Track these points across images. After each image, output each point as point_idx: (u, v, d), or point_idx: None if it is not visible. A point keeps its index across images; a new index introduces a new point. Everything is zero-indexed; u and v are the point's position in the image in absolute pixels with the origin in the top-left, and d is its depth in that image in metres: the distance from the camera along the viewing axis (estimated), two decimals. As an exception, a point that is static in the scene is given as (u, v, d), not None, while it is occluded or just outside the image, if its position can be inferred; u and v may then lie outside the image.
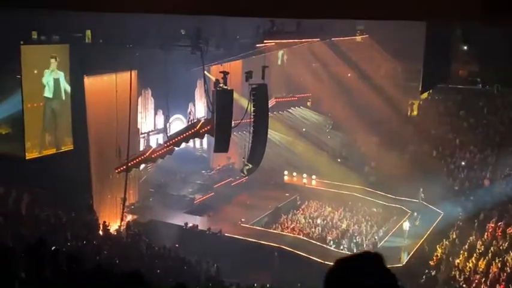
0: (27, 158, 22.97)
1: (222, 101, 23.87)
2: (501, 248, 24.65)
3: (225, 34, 25.52)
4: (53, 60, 23.46)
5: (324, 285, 2.12)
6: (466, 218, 27.89)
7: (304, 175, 35.61)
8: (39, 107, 23.68)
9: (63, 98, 24.23)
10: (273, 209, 31.38)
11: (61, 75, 23.89)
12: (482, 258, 24.12)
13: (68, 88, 24.28)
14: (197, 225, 27.47)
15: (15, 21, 18.63)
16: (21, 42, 22.15)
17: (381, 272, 2.07)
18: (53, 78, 23.70)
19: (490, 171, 31.35)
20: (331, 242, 27.63)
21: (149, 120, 31.82)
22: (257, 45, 28.52)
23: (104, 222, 24.91)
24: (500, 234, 25.77)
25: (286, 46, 34.08)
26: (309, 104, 41.43)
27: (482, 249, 24.96)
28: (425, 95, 37.05)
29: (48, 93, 23.72)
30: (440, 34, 19.50)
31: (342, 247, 27.29)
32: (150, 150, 28.05)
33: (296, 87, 40.25)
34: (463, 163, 32.94)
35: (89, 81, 25.34)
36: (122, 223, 26.27)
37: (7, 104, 23.09)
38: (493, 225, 26.55)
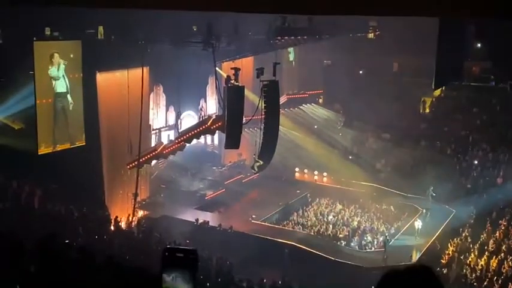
0: (39, 153, 23.14)
1: (233, 98, 23.86)
2: (513, 246, 24.49)
3: (236, 31, 25.49)
4: (56, 56, 23.52)
5: None
6: (478, 216, 27.70)
7: (315, 172, 35.56)
8: (51, 103, 23.84)
9: (71, 93, 24.31)
10: (283, 205, 31.35)
11: (67, 71, 23.94)
12: (494, 257, 23.95)
13: (75, 83, 24.35)
14: (208, 221, 27.52)
15: (29, 17, 18.75)
16: (34, 38, 22.30)
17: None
18: (60, 74, 23.80)
19: (503, 169, 31.10)
20: (342, 239, 27.56)
21: (161, 117, 31.94)
22: (269, 41, 28.46)
23: (116, 217, 25.05)
24: (512, 232, 25.60)
25: (298, 43, 34.00)
26: (320, 101, 41.37)
27: (494, 247, 24.79)
28: (437, 92, 36.79)
29: (57, 88, 23.86)
30: (453, 31, 19.33)
31: (352, 244, 27.23)
32: (162, 146, 28.16)
33: (307, 84, 40.18)
34: (475, 161, 32.71)
35: (101, 77, 25.48)
36: (133, 218, 26.40)
37: (20, 99, 23.25)
38: (505, 223, 26.35)
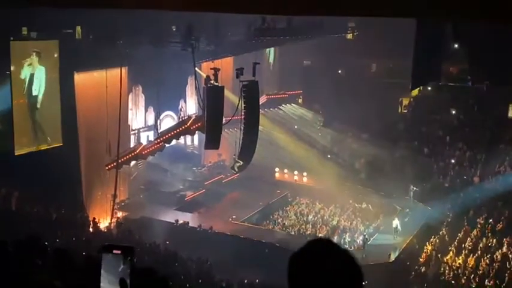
0: (16, 154, 22.83)
1: (212, 98, 23.85)
2: (490, 244, 24.85)
3: (216, 31, 25.48)
4: (34, 57, 23.23)
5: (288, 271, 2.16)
6: (455, 214, 28.03)
7: (295, 172, 35.67)
8: (28, 103, 23.54)
9: (49, 93, 24.05)
10: (264, 205, 31.40)
11: (44, 71, 23.68)
12: (471, 255, 24.30)
13: (53, 83, 24.07)
14: (188, 222, 27.44)
15: (5, 16, 18.48)
16: (11, 38, 22.01)
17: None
18: (39, 75, 23.51)
19: (480, 168, 31.54)
20: (322, 238, 27.68)
21: (140, 117, 31.72)
22: (248, 41, 28.51)
23: (94, 218, 24.84)
24: (489, 230, 25.97)
25: (277, 43, 34.11)
26: (300, 101, 41.53)
27: (472, 245, 25.14)
28: (415, 92, 37.16)
29: (34, 89, 23.58)
30: (430, 31, 19.53)
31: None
32: (141, 147, 28.02)
33: (287, 84, 40.30)
34: (452, 160, 33.11)
35: (79, 78, 25.23)
36: (112, 220, 26.20)
37: (-3, 100, 22.95)
38: (482, 222, 26.72)
